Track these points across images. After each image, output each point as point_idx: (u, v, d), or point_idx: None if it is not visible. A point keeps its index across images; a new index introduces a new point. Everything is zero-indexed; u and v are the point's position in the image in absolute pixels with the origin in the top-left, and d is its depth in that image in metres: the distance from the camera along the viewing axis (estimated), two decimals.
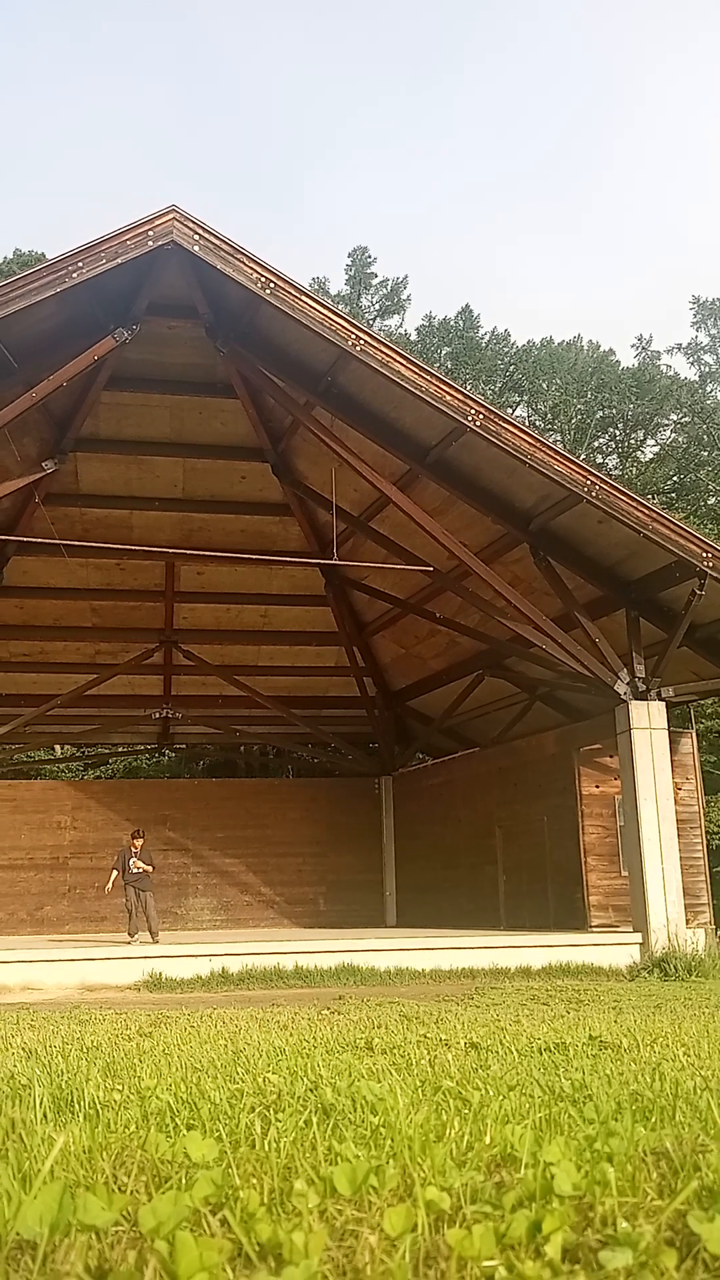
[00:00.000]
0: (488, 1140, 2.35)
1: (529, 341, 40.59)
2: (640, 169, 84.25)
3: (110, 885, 15.52)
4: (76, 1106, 3.09)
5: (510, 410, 38.07)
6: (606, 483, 13.03)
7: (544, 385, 38.92)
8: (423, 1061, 4.17)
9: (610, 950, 13.48)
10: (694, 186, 79.72)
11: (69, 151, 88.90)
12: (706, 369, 39.81)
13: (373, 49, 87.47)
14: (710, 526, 32.63)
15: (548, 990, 10.36)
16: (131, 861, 14.97)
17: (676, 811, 14.01)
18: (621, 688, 14.07)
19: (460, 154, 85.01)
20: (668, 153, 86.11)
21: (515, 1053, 4.55)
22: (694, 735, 17.32)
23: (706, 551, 13.08)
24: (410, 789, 23.06)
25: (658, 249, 74.13)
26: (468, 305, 41.84)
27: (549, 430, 38.25)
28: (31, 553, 17.83)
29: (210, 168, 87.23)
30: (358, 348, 12.30)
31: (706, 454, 36.92)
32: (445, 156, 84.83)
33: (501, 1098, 3.06)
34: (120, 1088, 3.44)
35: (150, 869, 15.16)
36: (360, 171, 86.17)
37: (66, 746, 28.19)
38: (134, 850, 15.09)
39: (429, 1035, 5.51)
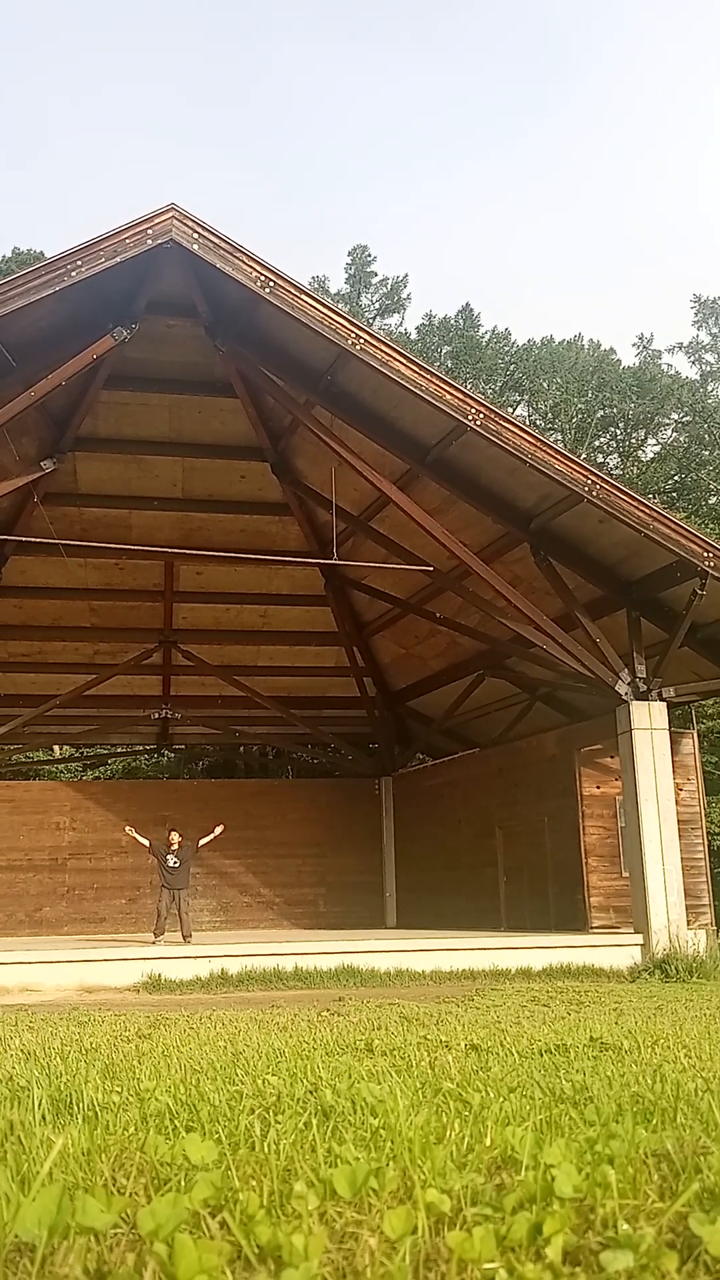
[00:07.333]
0: (488, 1142, 2.35)
1: (529, 340, 40.57)
2: (642, 166, 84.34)
3: (137, 834, 15.69)
4: (75, 1108, 3.08)
5: (511, 409, 38.04)
6: (607, 482, 13.03)
7: (544, 384, 38.88)
8: (423, 1063, 4.17)
9: (611, 951, 13.48)
10: (696, 183, 79.80)
11: (68, 147, 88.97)
12: (708, 368, 39.75)
13: (374, 43, 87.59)
14: (711, 526, 32.60)
15: (548, 992, 10.35)
16: (169, 858, 14.99)
17: (678, 812, 14.01)
18: (622, 688, 14.06)
19: (461, 152, 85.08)
20: (670, 150, 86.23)
21: (516, 1054, 4.54)
22: (695, 736, 17.32)
23: (707, 551, 13.08)
24: (410, 790, 23.05)
25: (659, 247, 74.18)
26: (468, 304, 41.83)
27: (549, 429, 38.22)
28: (30, 552, 17.83)
29: (208, 163, 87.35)
30: (358, 346, 12.29)
31: (708, 453, 36.91)
32: (446, 154, 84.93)
33: (502, 1100, 3.05)
34: (119, 1090, 3.44)
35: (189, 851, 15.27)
36: (361, 170, 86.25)
37: (65, 747, 28.18)
38: (170, 847, 15.10)
39: (429, 1037, 5.50)
